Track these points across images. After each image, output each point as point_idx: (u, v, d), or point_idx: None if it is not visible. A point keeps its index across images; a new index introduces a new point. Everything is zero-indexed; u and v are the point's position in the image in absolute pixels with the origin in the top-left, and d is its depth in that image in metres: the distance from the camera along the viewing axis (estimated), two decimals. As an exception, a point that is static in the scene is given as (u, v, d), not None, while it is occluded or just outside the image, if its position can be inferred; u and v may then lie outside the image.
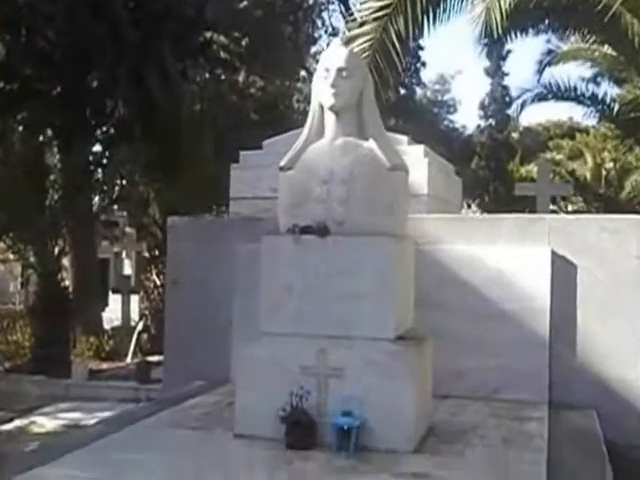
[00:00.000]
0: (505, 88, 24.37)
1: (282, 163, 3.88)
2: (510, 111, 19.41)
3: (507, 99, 22.95)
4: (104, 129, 11.87)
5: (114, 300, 13.87)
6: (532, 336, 4.75)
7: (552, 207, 12.17)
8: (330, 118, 3.84)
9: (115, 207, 13.19)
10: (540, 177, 11.76)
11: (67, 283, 11.74)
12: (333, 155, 3.80)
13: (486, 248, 4.85)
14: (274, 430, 3.65)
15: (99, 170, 11.83)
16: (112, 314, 13.48)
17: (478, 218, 5.02)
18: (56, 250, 10.74)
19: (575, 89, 9.62)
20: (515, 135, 25.46)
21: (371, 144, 3.80)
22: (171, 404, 4.66)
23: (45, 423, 8.30)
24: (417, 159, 5.57)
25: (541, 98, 9.95)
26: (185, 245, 5.27)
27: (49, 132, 11.24)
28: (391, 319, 3.66)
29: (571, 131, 22.24)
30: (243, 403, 3.82)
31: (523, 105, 10.44)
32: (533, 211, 10.60)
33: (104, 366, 11.18)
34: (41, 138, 10.81)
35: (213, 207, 11.29)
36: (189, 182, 10.36)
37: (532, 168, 19.29)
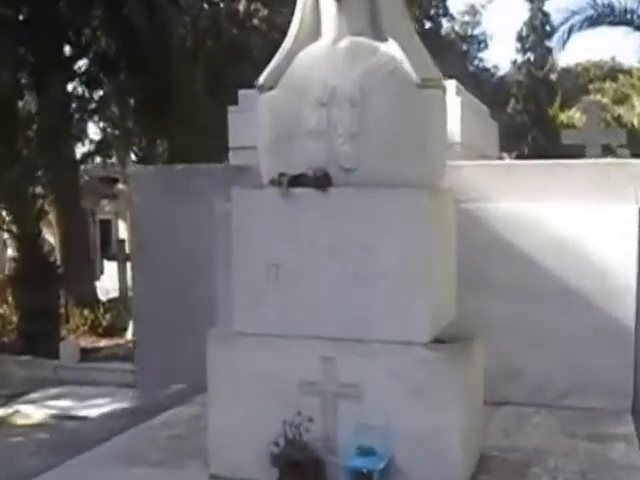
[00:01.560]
0: (546, 15, 22.24)
1: (260, 80, 2.64)
2: (552, 43, 17.66)
3: (548, 28, 20.93)
4: (83, 65, 10.41)
5: (111, 268, 12.68)
6: (611, 325, 3.50)
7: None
8: (330, 8, 2.56)
9: (106, 159, 11.84)
10: (589, 122, 10.33)
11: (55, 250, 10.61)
12: (335, 64, 2.53)
13: (548, 206, 3.58)
14: (263, 472, 2.51)
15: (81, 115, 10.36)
16: (110, 284, 12.33)
17: (536, 165, 3.74)
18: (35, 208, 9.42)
19: (633, 11, 8.02)
20: (553, 77, 23.40)
21: (392, 48, 2.54)
22: (134, 421, 3.53)
23: (31, 412, 7.22)
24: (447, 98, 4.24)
25: (592, 22, 8.33)
26: (153, 200, 4.06)
27: (21, 69, 9.81)
28: (424, 313, 2.45)
29: (613, 72, 20.32)
30: (218, 432, 2.65)
31: (570, 32, 8.74)
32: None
33: (101, 343, 10.14)
34: (12, 76, 9.42)
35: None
36: (183, 128, 9.07)
37: (574, 114, 17.58)
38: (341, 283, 2.48)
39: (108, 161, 12.26)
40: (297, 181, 2.51)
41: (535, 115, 21.02)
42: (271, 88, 2.59)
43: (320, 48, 2.58)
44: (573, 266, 3.52)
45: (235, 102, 5.18)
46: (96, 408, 7.32)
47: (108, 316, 10.53)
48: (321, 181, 2.47)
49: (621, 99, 16.98)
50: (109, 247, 15.16)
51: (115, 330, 10.25)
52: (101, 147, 10.84)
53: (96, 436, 3.39)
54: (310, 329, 2.52)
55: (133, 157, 11.18)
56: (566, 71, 24.17)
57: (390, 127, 2.48)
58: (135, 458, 2.98)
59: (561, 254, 3.55)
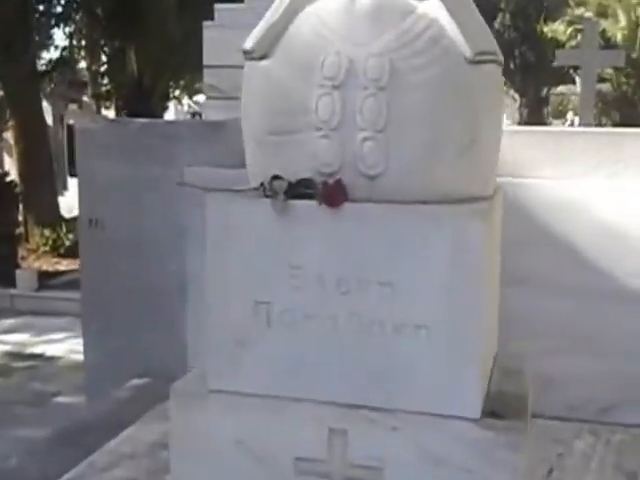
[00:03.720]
0: None
1: (247, 43, 1.85)
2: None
3: None
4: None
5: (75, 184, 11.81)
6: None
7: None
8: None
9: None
10: (586, 41, 9.52)
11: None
12: (354, 30, 1.75)
13: (596, 184, 2.88)
14: None
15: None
16: (74, 201, 11.51)
17: (581, 132, 3.04)
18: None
19: None
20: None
21: (433, 7, 1.76)
22: (73, 453, 2.87)
23: (-17, 347, 6.74)
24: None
25: None
26: (105, 164, 3.29)
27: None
28: (474, 378, 1.76)
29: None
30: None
31: None
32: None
33: (62, 266, 9.50)
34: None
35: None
36: (152, 42, 8.20)
37: (557, 27, 16.65)
38: (357, 333, 1.78)
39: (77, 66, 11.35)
40: (298, 190, 1.77)
41: (524, 31, 20.04)
42: (263, 57, 1.80)
43: (333, 4, 1.78)
44: (627, 258, 2.87)
45: (211, 17, 4.46)
46: (54, 344, 6.81)
47: (71, 236, 9.89)
48: (333, 192, 1.73)
49: (606, 12, 15.94)
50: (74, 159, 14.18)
51: (78, 251, 9.56)
52: (67, 56, 9.87)
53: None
54: (314, 391, 1.83)
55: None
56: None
57: (430, 118, 1.73)
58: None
59: (611, 243, 2.88)
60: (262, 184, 1.81)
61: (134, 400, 3.44)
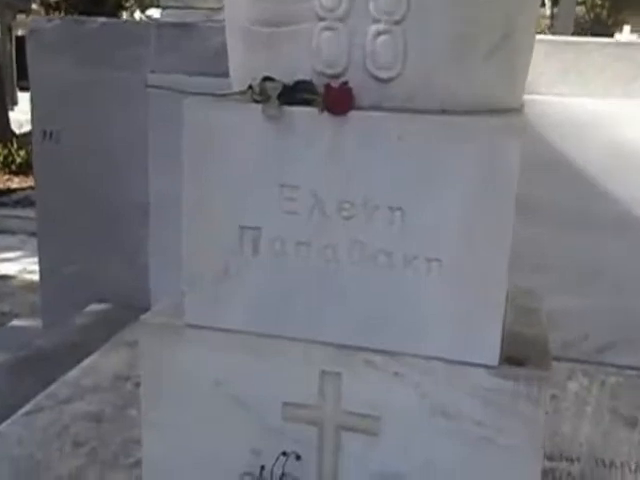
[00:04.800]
0: None
1: None
2: None
3: None
4: None
5: (26, 98, 11.20)
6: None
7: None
8: None
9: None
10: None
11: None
12: None
13: (612, 103, 2.62)
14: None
15: None
16: (24, 115, 11.02)
17: (606, 43, 2.73)
18: None
19: None
20: None
21: None
22: (26, 381, 2.61)
23: None
24: None
25: None
26: (60, 69, 2.92)
27: None
28: (495, 319, 1.51)
29: None
30: (155, 472, 1.75)
31: None
32: None
33: (14, 184, 9.12)
34: None
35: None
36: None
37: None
38: (359, 264, 1.52)
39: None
40: (295, 94, 1.47)
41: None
42: None
43: None
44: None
45: None
46: (6, 263, 6.58)
47: (22, 152, 9.57)
48: (337, 97, 1.44)
49: None
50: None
51: (30, 168, 9.26)
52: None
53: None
54: (306, 329, 1.58)
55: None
56: None
57: (459, 5, 1.44)
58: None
59: (622, 166, 2.65)
60: (250, 86, 1.50)
61: (93, 327, 3.18)
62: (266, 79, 1.49)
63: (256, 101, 1.49)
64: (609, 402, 2.65)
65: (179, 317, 1.67)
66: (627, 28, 16.09)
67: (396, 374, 1.57)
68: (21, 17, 14.23)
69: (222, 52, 1.68)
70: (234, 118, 1.50)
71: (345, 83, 1.43)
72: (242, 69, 1.56)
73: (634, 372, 2.82)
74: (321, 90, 1.44)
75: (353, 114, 1.45)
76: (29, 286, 5.19)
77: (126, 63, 2.77)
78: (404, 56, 1.43)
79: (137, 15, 19.22)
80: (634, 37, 17.12)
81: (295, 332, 1.59)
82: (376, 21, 1.42)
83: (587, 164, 2.62)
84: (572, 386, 2.71)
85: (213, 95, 1.57)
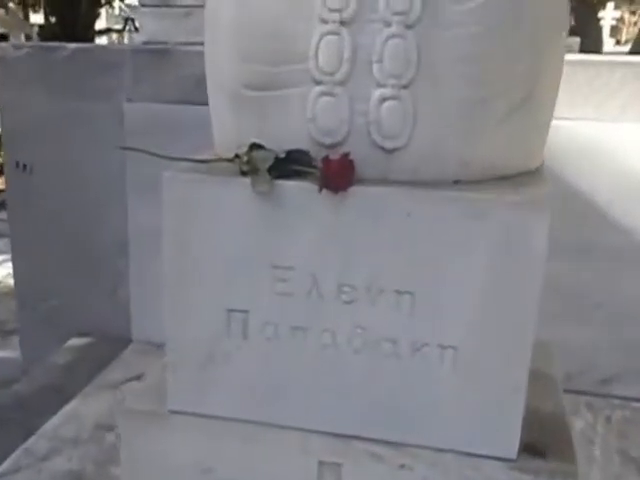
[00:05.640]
0: None
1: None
2: None
3: None
4: None
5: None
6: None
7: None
8: None
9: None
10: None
11: None
12: None
13: (625, 128, 2.48)
14: None
15: None
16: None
17: (622, 63, 2.57)
18: None
19: None
20: None
21: None
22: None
23: None
24: None
25: None
26: (31, 98, 2.71)
27: None
28: (515, 411, 1.37)
29: None
30: None
31: None
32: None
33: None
34: None
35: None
36: None
37: None
38: (361, 352, 1.36)
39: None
40: (287, 166, 1.31)
41: None
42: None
43: None
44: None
45: None
46: None
47: (2, 152, 9.28)
48: (337, 172, 1.27)
49: None
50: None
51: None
52: None
53: None
54: (301, 417, 1.42)
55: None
56: None
57: (477, 65, 1.27)
58: None
59: (628, 195, 2.51)
60: (237, 155, 1.34)
61: (74, 366, 3.02)
62: (255, 147, 1.33)
63: (243, 173, 1.32)
64: (617, 442, 2.52)
65: (161, 402, 1.51)
66: (610, 5, 15.99)
67: (402, 466, 1.42)
68: (-1, 11, 13.83)
69: (202, 80, 1.51)
70: (219, 193, 1.33)
71: (346, 155, 1.27)
72: (227, 133, 1.40)
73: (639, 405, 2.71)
74: (318, 162, 1.28)
75: (355, 189, 1.28)
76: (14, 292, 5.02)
77: (100, 92, 2.59)
78: (413, 124, 1.27)
79: (116, 4, 18.83)
80: (617, 13, 17.01)
81: (290, 420, 1.43)
82: (381, 85, 1.26)
83: (595, 193, 2.48)
84: (577, 424, 2.58)
85: (194, 161, 1.40)
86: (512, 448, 1.38)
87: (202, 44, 1.47)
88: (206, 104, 1.52)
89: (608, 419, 2.63)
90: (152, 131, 2.38)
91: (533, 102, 1.36)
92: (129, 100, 2.53)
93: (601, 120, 2.52)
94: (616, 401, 2.72)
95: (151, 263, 2.86)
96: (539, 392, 1.64)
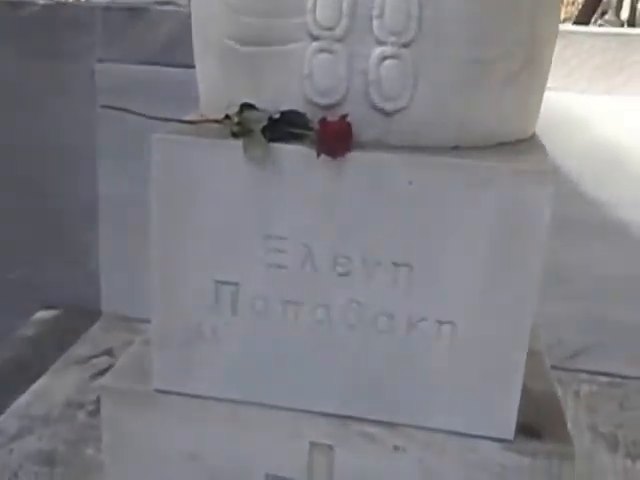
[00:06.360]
0: None
1: None
2: None
3: None
4: None
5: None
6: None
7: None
8: None
9: None
10: None
11: None
12: None
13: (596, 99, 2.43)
14: None
15: None
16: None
17: (590, 33, 2.53)
18: None
19: None
20: None
21: None
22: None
23: None
24: None
25: None
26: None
27: None
28: (513, 390, 1.31)
29: None
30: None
31: None
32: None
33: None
34: None
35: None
36: None
37: None
38: (356, 327, 1.29)
39: None
40: (281, 128, 1.22)
41: None
42: None
43: None
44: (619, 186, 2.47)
45: None
46: None
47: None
48: (334, 135, 1.19)
49: None
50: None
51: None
52: None
53: None
54: (292, 397, 1.35)
55: None
56: None
57: (480, 24, 1.20)
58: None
59: (607, 168, 2.47)
60: (227, 116, 1.25)
61: (41, 340, 2.91)
62: (246, 107, 1.24)
63: (234, 135, 1.24)
64: (587, 417, 2.51)
65: (145, 381, 1.43)
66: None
67: (396, 448, 1.36)
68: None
69: (176, 40, 1.42)
70: (209, 156, 1.25)
71: (344, 117, 1.19)
72: (215, 93, 1.31)
73: (606, 379, 2.69)
74: (315, 124, 1.20)
75: (353, 155, 1.20)
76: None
77: (70, 51, 2.46)
78: (413, 84, 1.19)
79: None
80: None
81: (280, 400, 1.36)
82: (381, 43, 1.17)
83: (568, 164, 2.43)
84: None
85: (181, 122, 1.31)
86: (509, 429, 1.32)
87: (178, 3, 1.37)
88: (183, 66, 1.43)
89: (577, 394, 2.62)
90: (125, 94, 2.27)
91: (533, 66, 1.29)
92: (100, 61, 2.41)
93: (570, 90, 2.47)
94: (584, 375, 2.71)
95: (121, 233, 2.77)
96: (529, 371, 1.59)
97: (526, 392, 1.44)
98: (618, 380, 2.64)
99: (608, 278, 2.60)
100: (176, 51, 2.27)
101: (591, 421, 2.49)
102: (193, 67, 1.39)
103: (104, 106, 1.32)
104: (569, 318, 2.68)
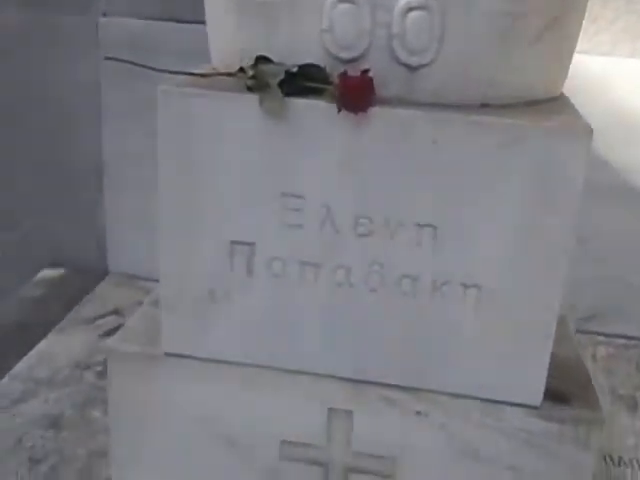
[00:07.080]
0: None
1: None
2: None
3: None
4: None
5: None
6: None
7: None
8: None
9: None
10: None
11: None
12: None
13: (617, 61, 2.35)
14: None
15: None
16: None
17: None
18: None
19: None
20: None
21: None
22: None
23: None
24: None
25: None
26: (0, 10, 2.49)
27: None
28: (541, 356, 1.26)
29: None
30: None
31: None
32: None
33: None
34: None
35: None
36: None
37: None
38: (378, 290, 1.25)
39: None
40: (300, 82, 1.16)
41: None
42: None
43: None
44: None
45: None
46: None
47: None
48: (355, 90, 1.13)
49: None
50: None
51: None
52: None
53: None
54: (310, 362, 1.31)
55: None
56: None
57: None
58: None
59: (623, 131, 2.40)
60: (242, 69, 1.18)
61: (45, 300, 2.86)
62: (262, 59, 1.18)
63: (249, 88, 1.17)
64: (605, 380, 2.47)
65: (155, 343, 1.39)
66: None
67: (418, 413, 1.32)
68: None
69: None
70: (223, 110, 1.18)
71: (366, 71, 1.12)
72: (228, 45, 1.24)
73: (622, 341, 2.66)
74: (334, 78, 1.13)
75: (375, 110, 1.14)
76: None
77: (73, 3, 2.37)
78: (440, 38, 1.13)
79: None
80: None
81: (297, 364, 1.32)
82: (404, -5, 1.11)
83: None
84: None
85: (193, 74, 1.24)
86: (537, 395, 1.28)
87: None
88: (191, 22, 1.35)
89: (593, 357, 2.59)
90: (130, 50, 2.19)
91: (564, 23, 1.22)
92: (104, 15, 2.32)
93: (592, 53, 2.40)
94: (600, 337, 2.67)
95: (128, 191, 2.71)
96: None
97: (552, 357, 1.40)
98: (634, 342, 2.61)
99: (624, 241, 2.55)
100: (184, 5, 2.19)
101: (610, 383, 2.46)
102: (203, 22, 1.33)
103: (109, 58, 1.25)
104: (584, 281, 2.63)
